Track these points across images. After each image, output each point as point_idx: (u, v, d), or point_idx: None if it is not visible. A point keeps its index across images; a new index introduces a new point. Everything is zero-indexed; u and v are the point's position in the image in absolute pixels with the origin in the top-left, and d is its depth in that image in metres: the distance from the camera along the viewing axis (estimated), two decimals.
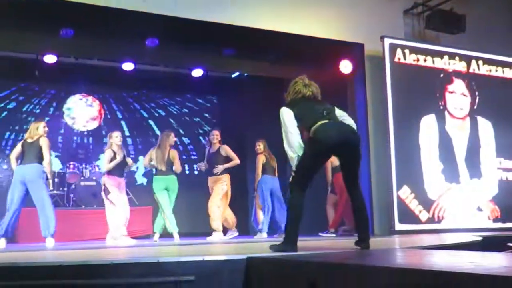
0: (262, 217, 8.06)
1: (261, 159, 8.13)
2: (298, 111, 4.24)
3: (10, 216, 6.35)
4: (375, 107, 8.80)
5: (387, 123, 8.57)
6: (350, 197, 4.33)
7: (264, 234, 7.95)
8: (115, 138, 7.42)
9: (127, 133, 10.94)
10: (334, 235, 8.14)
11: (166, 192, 7.47)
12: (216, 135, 7.99)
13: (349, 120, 4.37)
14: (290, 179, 4.18)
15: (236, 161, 7.86)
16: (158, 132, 10.18)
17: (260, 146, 8.23)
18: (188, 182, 9.62)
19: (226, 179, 7.76)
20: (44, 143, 6.48)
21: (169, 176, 7.53)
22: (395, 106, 8.63)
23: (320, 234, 8.14)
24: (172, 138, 7.74)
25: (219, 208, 7.62)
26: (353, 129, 4.28)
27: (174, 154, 7.65)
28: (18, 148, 6.58)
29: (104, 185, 7.24)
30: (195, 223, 9.18)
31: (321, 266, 2.90)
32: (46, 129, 6.69)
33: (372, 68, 8.96)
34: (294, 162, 4.13)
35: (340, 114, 4.40)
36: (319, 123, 4.11)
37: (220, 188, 7.71)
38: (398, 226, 8.32)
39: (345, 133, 4.15)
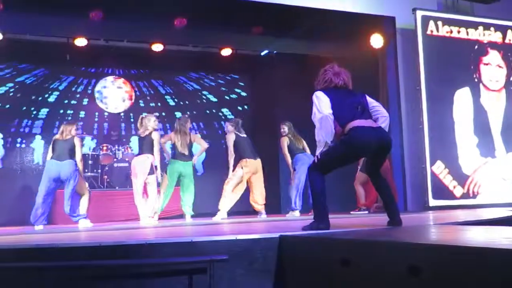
0: (294, 196, 8.05)
1: (284, 141, 8.10)
2: (330, 102, 4.13)
3: (45, 206, 6.68)
4: (407, 81, 8.63)
5: (420, 97, 8.42)
6: (373, 180, 4.30)
7: (297, 213, 7.95)
8: (153, 122, 7.44)
9: (157, 114, 11.01)
10: (366, 212, 8.08)
11: (177, 177, 7.53)
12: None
13: (382, 113, 4.27)
14: (311, 164, 4.13)
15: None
16: (188, 112, 10.24)
17: (284, 128, 8.18)
18: (218, 163, 9.71)
19: (241, 164, 7.68)
20: (77, 142, 6.86)
21: (188, 162, 7.57)
22: (428, 80, 8.46)
23: (351, 212, 8.09)
24: (189, 124, 7.82)
25: (232, 191, 7.61)
26: (388, 135, 4.20)
27: (195, 137, 7.82)
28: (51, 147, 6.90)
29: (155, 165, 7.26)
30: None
31: (354, 244, 2.89)
32: (78, 131, 7.19)
33: (403, 42, 8.77)
34: (321, 146, 4.07)
35: (372, 105, 4.31)
36: (355, 124, 4.00)
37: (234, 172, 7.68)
38: (432, 202, 8.21)
39: (382, 140, 4.07)
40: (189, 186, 7.54)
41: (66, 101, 10.45)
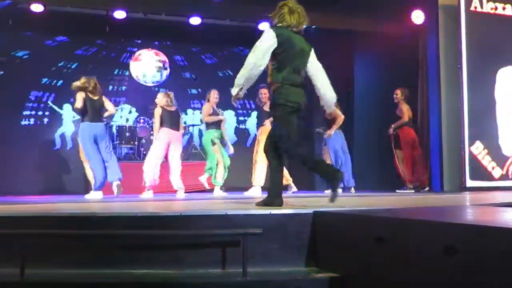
0: None
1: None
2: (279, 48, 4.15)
3: (101, 168, 6.80)
4: (448, 59, 8.43)
5: (460, 75, 8.23)
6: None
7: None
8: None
9: (194, 88, 11.06)
10: (412, 191, 8.05)
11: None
12: (264, 93, 7.85)
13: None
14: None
15: None
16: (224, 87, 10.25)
17: None
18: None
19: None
20: (105, 99, 7.01)
21: (220, 130, 7.73)
22: (469, 58, 8.25)
23: (397, 191, 8.07)
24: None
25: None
26: None
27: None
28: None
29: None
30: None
31: (390, 222, 2.86)
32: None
33: (446, 18, 8.55)
34: (235, 91, 4.14)
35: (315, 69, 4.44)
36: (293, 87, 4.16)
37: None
38: (469, 183, 8.08)
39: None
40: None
41: (100, 73, 10.55)
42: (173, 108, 7.44)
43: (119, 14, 8.89)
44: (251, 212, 3.55)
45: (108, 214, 3.60)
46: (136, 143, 9.55)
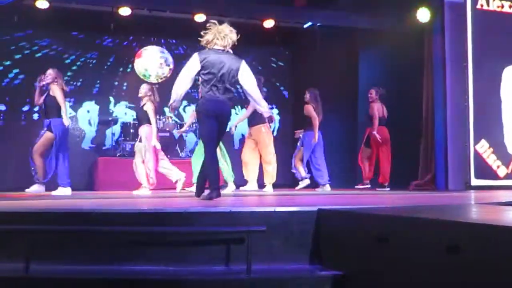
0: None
1: None
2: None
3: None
4: (454, 57, 8.39)
5: (466, 74, 8.20)
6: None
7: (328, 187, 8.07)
8: None
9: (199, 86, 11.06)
10: (368, 186, 8.30)
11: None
12: None
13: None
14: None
15: None
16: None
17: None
18: None
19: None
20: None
21: None
22: (475, 56, 8.22)
23: (356, 187, 8.43)
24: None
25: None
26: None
27: None
28: None
29: None
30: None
31: (393, 220, 2.87)
32: None
33: (452, 16, 8.50)
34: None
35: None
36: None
37: None
38: (474, 182, 8.06)
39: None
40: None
41: (105, 70, 10.58)
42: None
43: (124, 11, 8.90)
44: (255, 210, 3.56)
45: (112, 210, 3.61)
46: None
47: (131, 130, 9.36)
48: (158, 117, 9.89)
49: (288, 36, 10.61)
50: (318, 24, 10.21)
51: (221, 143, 7.60)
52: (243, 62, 5.21)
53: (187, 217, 3.48)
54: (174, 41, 10.95)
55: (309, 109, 8.02)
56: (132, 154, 9.35)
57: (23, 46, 9.96)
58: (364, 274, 2.98)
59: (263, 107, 5.40)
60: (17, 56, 9.88)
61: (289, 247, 3.43)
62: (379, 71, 9.64)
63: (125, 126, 9.49)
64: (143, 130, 7.19)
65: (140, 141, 7.19)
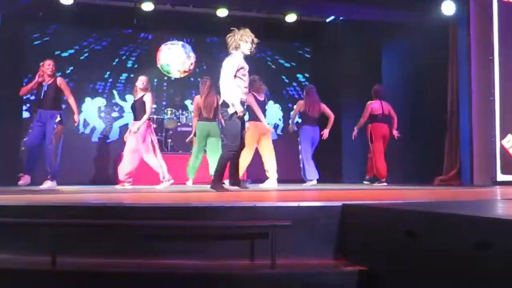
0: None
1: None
2: None
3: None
4: (479, 50, 8.26)
5: (492, 67, 8.07)
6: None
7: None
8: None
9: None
10: (385, 184, 8.19)
11: (205, 139, 7.74)
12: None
13: None
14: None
15: None
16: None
17: None
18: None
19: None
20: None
21: (213, 122, 7.77)
22: (502, 49, 8.08)
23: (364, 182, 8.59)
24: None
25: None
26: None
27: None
28: None
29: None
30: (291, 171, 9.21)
31: (420, 215, 2.83)
32: None
33: (477, 9, 8.37)
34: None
35: None
36: None
37: None
38: (500, 177, 7.94)
39: None
40: (218, 148, 7.67)
41: (129, 65, 10.65)
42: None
43: (147, 6, 8.96)
44: (280, 204, 3.55)
45: (138, 204, 3.64)
46: (163, 134, 9.62)
47: (154, 125, 9.42)
48: (180, 111, 9.99)
49: (310, 30, 10.57)
50: (341, 18, 10.15)
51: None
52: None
53: (211, 211, 3.49)
54: (196, 35, 10.96)
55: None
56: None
57: (47, 41, 10.08)
58: (391, 270, 2.95)
59: None
60: (42, 51, 10.00)
61: (314, 242, 3.41)
62: (403, 65, 9.54)
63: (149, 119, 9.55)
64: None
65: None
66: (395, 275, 2.90)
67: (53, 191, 6.16)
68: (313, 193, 5.42)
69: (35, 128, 6.78)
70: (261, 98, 7.73)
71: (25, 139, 6.94)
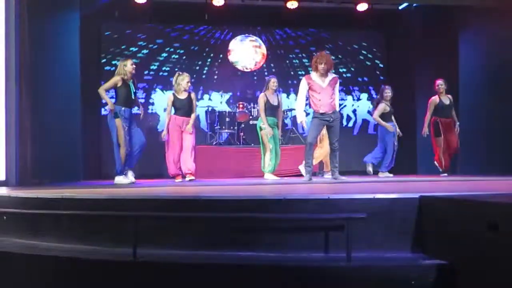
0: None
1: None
2: None
3: None
4: None
5: None
6: None
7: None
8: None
9: (292, 72, 11.05)
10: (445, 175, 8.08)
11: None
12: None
13: None
14: None
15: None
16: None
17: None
18: None
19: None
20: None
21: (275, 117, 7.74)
22: None
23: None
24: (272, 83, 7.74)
25: None
26: None
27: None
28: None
29: None
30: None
31: (504, 208, 2.70)
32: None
33: None
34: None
35: None
36: None
37: None
38: None
39: None
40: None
41: (200, 62, 10.80)
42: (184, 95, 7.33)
43: (218, 1, 9.10)
44: (355, 197, 3.50)
45: (214, 197, 3.70)
46: (236, 128, 9.72)
47: (227, 119, 9.55)
48: (252, 105, 10.05)
49: (382, 19, 10.31)
50: (415, 4, 9.84)
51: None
52: None
53: (286, 204, 3.50)
54: (267, 29, 10.99)
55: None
56: (227, 142, 9.58)
57: (123, 39, 10.43)
58: (472, 265, 2.84)
59: None
60: (117, 50, 10.34)
61: (390, 235, 3.35)
62: (481, 53, 9.07)
63: (221, 115, 9.68)
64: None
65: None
66: (478, 271, 2.79)
67: (131, 184, 6.39)
68: (388, 185, 5.31)
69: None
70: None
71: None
